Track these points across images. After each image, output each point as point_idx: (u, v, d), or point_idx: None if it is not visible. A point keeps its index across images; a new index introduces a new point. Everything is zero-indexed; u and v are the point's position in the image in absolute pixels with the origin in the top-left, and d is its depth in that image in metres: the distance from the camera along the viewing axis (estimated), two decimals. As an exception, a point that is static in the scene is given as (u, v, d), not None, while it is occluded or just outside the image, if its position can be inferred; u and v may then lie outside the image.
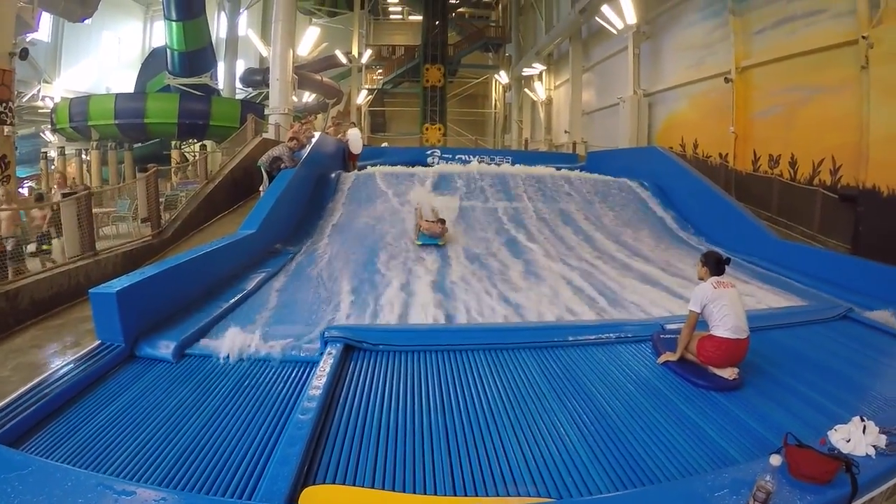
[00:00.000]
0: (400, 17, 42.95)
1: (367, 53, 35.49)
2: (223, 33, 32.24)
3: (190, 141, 24.32)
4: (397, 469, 3.04)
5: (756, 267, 8.46)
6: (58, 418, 3.61)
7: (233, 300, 6.02)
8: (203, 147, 22.99)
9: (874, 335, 5.50)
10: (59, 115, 22.84)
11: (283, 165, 10.52)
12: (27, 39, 16.79)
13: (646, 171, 13.33)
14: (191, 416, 3.65)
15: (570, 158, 19.31)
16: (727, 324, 4.17)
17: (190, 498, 2.69)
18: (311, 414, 3.41)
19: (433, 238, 9.28)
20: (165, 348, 4.64)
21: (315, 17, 36.06)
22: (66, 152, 23.67)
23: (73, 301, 6.53)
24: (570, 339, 5.09)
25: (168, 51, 23.04)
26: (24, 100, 28.04)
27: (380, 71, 37.69)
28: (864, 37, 9.57)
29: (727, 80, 13.82)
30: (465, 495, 2.85)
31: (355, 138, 14.55)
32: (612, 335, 5.18)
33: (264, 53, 26.32)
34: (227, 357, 4.57)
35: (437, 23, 34.07)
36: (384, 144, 29.48)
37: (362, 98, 35.62)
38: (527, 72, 31.48)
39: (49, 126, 25.29)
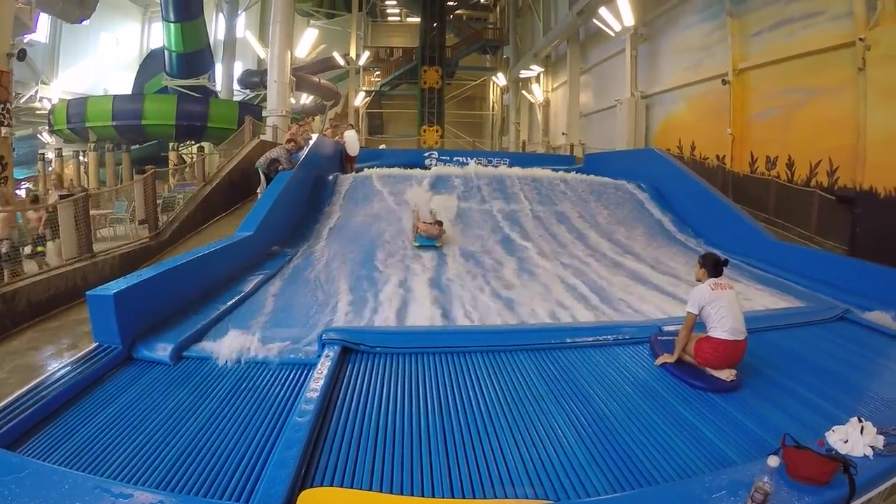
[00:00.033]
0: (398, 19, 43.01)
1: (365, 55, 35.52)
2: (221, 35, 32.29)
3: (188, 143, 24.32)
4: (395, 471, 3.03)
5: (753, 268, 8.48)
6: (55, 421, 3.59)
7: (230, 302, 6.01)
8: (201, 149, 22.99)
9: (871, 336, 5.51)
10: (56, 117, 22.84)
11: (280, 167, 10.51)
12: (25, 40, 16.76)
13: (643, 173, 13.34)
14: (188, 418, 3.64)
15: (567, 160, 19.35)
16: (725, 325, 4.17)
17: (187, 500, 2.69)
18: (308, 416, 3.40)
19: (430, 239, 9.30)
20: (163, 351, 4.63)
21: (313, 18, 36.13)
22: (64, 154, 23.65)
23: (70, 303, 6.52)
24: (568, 341, 5.09)
25: (166, 52, 23.05)
26: (21, 101, 28.03)
27: (377, 73, 37.74)
28: (861, 39, 9.60)
29: (724, 82, 13.84)
30: (463, 497, 2.85)
31: (352, 140, 14.49)
32: (609, 337, 5.18)
33: (262, 55, 26.33)
34: (225, 359, 4.56)
35: (434, 25, 34.13)
36: (382, 146, 29.48)
37: (360, 100, 35.62)
38: (524, 74, 31.51)
39: (46, 127, 25.30)
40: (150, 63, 27.11)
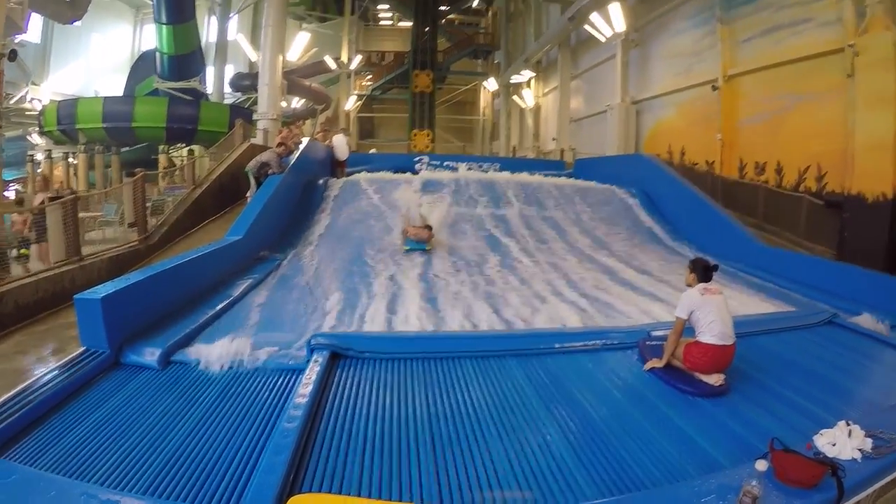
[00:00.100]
0: (390, 23, 43.09)
1: (357, 59, 35.47)
2: (213, 37, 32.14)
3: (178, 145, 24.20)
4: (384, 477, 3.02)
5: (742, 273, 8.52)
6: (42, 426, 3.56)
7: (219, 307, 5.97)
8: (191, 152, 22.90)
9: (859, 340, 5.55)
10: (46, 118, 22.68)
11: (270, 171, 10.49)
12: (16, 41, 16.64)
13: (633, 178, 13.41)
14: (176, 423, 3.61)
15: (557, 165, 19.45)
16: (714, 330, 4.19)
17: (174, 507, 2.67)
18: (297, 422, 3.38)
19: (420, 243, 9.36)
20: (150, 355, 4.59)
21: (305, 22, 36.11)
22: (53, 155, 23.51)
23: (58, 306, 6.47)
24: (557, 346, 5.08)
25: (157, 54, 22.89)
26: (11, 102, 27.78)
27: (369, 77, 37.78)
28: (850, 45, 9.68)
29: (714, 88, 13.93)
30: (452, 503, 2.84)
31: (340, 144, 14.41)
32: (598, 342, 5.17)
33: (254, 58, 26.29)
34: (213, 364, 4.52)
35: (426, 29, 34.23)
36: (372, 151, 29.53)
37: (351, 104, 35.60)
38: (515, 79, 31.58)
39: (37, 129, 25.08)
40: (142, 65, 26.96)
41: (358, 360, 4.71)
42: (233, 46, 31.50)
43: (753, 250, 9.09)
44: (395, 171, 14.64)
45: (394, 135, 39.74)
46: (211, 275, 6.81)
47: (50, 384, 3.93)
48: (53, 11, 19.78)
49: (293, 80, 26.86)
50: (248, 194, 11.01)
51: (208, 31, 32.59)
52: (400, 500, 2.83)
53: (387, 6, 39.91)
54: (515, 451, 3.33)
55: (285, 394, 4.06)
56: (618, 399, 4.09)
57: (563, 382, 4.35)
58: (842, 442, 2.92)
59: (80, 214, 7.81)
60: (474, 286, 7.59)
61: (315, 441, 3.36)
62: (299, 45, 23.15)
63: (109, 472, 3.04)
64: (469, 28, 41.52)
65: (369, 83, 37.53)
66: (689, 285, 4.47)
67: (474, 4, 40.11)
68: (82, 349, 4.54)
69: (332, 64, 32.68)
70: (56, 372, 4.13)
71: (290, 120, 23.52)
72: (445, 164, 18.21)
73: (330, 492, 2.88)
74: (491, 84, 36.89)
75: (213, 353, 4.61)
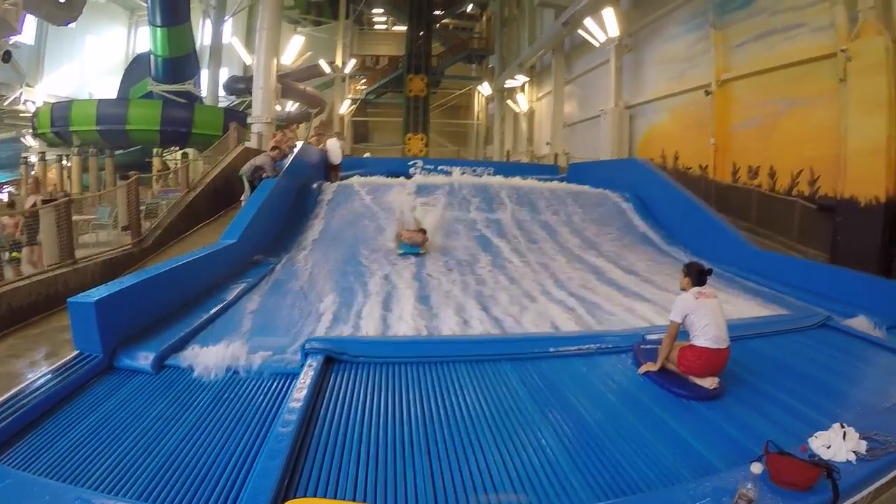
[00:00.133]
0: (384, 27, 43.12)
1: (351, 63, 35.49)
2: (207, 40, 32.03)
3: (172, 148, 24.12)
4: (379, 481, 3.01)
5: (736, 277, 8.56)
6: (35, 430, 3.54)
7: (213, 311, 5.95)
8: (185, 155, 22.82)
9: (852, 342, 5.57)
10: (40, 120, 22.55)
11: (264, 175, 10.47)
12: (10, 42, 16.60)
13: (626, 183, 13.45)
14: (170, 428, 3.60)
15: (551, 170, 19.45)
16: (708, 333, 4.20)
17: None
18: (291, 427, 3.37)
19: (414, 247, 9.37)
20: (144, 359, 4.57)
21: (300, 26, 36.10)
22: (47, 158, 23.36)
23: (51, 310, 6.42)
24: (551, 350, 5.08)
25: (152, 57, 22.83)
26: (5, 103, 27.70)
27: (363, 81, 37.77)
28: (842, 50, 9.73)
29: (707, 93, 14.00)
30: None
31: (334, 148, 14.34)
32: (592, 346, 5.17)
33: (248, 61, 26.28)
34: (207, 369, 4.50)
35: (421, 33, 34.33)
36: (367, 155, 29.51)
37: (345, 108, 35.61)
38: (509, 83, 31.62)
39: (30, 130, 24.95)
40: (136, 67, 26.87)
41: (352, 364, 4.69)
42: (227, 49, 31.45)
43: (747, 254, 9.12)
44: (389, 176, 14.64)
45: (388, 139, 39.76)
46: (205, 279, 6.78)
47: (43, 388, 3.91)
48: (48, 13, 19.70)
49: (287, 83, 26.85)
50: (242, 198, 10.98)
51: (203, 33, 32.52)
52: (395, 504, 2.83)
53: (381, 10, 39.97)
54: (510, 454, 3.32)
55: (280, 398, 4.05)
56: (612, 402, 4.09)
57: (558, 386, 4.35)
58: (837, 444, 2.93)
59: (74, 217, 7.76)
60: (465, 285, 7.80)
61: (309, 445, 3.35)
62: (294, 48, 23.20)
63: (103, 477, 3.03)
64: (463, 32, 41.66)
65: (364, 87, 37.56)
66: (684, 289, 4.49)
67: (469, 9, 40.25)
68: (76, 353, 4.52)
69: (326, 68, 32.69)
70: (49, 376, 4.11)
71: (285, 123, 23.47)
72: (440, 168, 18.20)
73: (325, 496, 2.87)
74: (485, 88, 36.92)
75: (208, 358, 4.58)
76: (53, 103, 23.37)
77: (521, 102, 30.77)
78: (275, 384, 4.34)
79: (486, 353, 5.00)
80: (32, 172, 22.10)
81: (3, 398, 3.69)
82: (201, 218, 11.40)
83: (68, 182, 22.18)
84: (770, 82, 12.16)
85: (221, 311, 6.09)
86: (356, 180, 13.44)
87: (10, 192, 20.01)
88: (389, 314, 6.37)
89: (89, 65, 34.03)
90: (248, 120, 19.07)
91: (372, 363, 4.72)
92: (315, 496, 2.86)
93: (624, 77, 18.85)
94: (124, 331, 4.84)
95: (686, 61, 15.48)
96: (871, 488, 2.82)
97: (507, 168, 19.07)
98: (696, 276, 4.45)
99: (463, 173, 16.20)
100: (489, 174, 16.70)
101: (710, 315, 4.23)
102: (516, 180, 14.42)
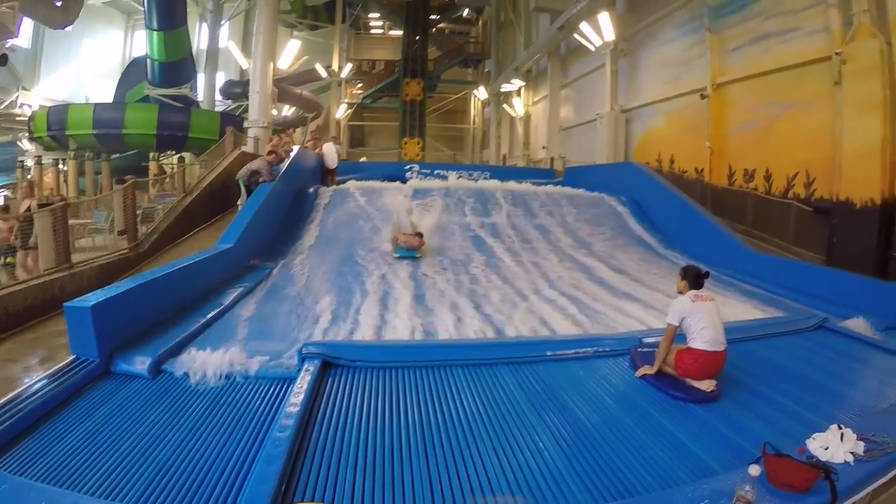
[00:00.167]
0: (381, 31, 43.16)
1: (348, 67, 35.47)
2: (204, 45, 32.11)
3: (168, 153, 24.09)
4: (376, 486, 3.00)
5: (733, 280, 8.57)
6: (31, 434, 3.52)
7: (209, 315, 5.94)
8: (181, 159, 22.78)
9: (849, 344, 5.59)
10: (36, 124, 22.52)
11: (261, 179, 10.47)
12: (7, 45, 16.60)
13: (623, 187, 13.48)
14: (167, 433, 3.58)
15: (547, 174, 19.51)
16: (705, 336, 4.20)
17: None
18: (288, 431, 3.36)
19: (410, 251, 9.38)
20: (141, 364, 4.55)
21: (296, 30, 36.10)
22: (43, 161, 23.27)
23: (47, 314, 6.40)
24: (549, 353, 5.07)
25: (148, 61, 22.82)
26: (1, 107, 27.61)
27: (360, 85, 37.75)
28: (837, 53, 9.79)
29: (703, 97, 14.05)
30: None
31: (330, 153, 14.33)
32: (589, 349, 5.17)
33: (245, 66, 26.27)
34: (204, 373, 4.48)
35: (417, 38, 34.36)
36: (363, 159, 29.51)
37: (342, 112, 35.62)
38: (505, 87, 31.69)
39: (27, 134, 24.90)
40: (133, 71, 26.86)
41: (349, 368, 4.69)
42: (224, 54, 31.48)
43: (743, 257, 9.15)
44: (386, 180, 14.66)
45: (384, 143, 39.74)
46: (202, 283, 6.77)
47: (40, 393, 3.90)
48: (45, 16, 19.70)
49: (284, 87, 26.89)
50: (238, 202, 10.97)
51: (199, 37, 32.58)
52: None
53: (377, 15, 39.94)
54: (508, 458, 3.32)
55: (277, 403, 4.04)
56: (610, 406, 4.09)
57: (555, 390, 4.34)
58: (834, 445, 2.93)
59: (70, 221, 7.74)
60: (459, 284, 8.05)
61: (307, 450, 3.34)
62: (290, 52, 23.19)
63: (100, 482, 3.01)
64: (459, 37, 41.65)
65: (360, 91, 37.53)
66: (681, 292, 4.50)
67: (464, 14, 40.25)
68: (72, 357, 4.50)
69: (322, 72, 32.71)
70: (46, 380, 4.09)
71: (281, 128, 23.49)
72: (436, 172, 18.25)
73: (322, 500, 2.86)
74: (481, 93, 36.96)
75: (204, 362, 4.56)
76: (50, 107, 23.34)
77: (518, 106, 30.82)
78: (272, 389, 4.33)
79: (482, 356, 4.99)
80: (28, 176, 22.04)
81: (-1, 403, 3.67)
82: (198, 222, 11.38)
83: (65, 186, 22.09)
84: (765, 85, 12.22)
85: (218, 315, 6.08)
86: (352, 184, 13.45)
87: (5, 196, 19.90)
88: (387, 312, 6.57)
89: (86, 68, 33.97)
90: (245, 124, 19.05)
91: (369, 367, 4.71)
92: (313, 500, 2.85)
93: (620, 81, 18.90)
94: (121, 335, 4.82)
95: (682, 65, 15.54)
96: (869, 489, 2.83)
97: (503, 172, 19.15)
98: (693, 279, 4.46)
99: (459, 177, 16.24)
100: (485, 178, 16.77)
101: (707, 318, 4.24)
102: (512, 184, 14.46)
